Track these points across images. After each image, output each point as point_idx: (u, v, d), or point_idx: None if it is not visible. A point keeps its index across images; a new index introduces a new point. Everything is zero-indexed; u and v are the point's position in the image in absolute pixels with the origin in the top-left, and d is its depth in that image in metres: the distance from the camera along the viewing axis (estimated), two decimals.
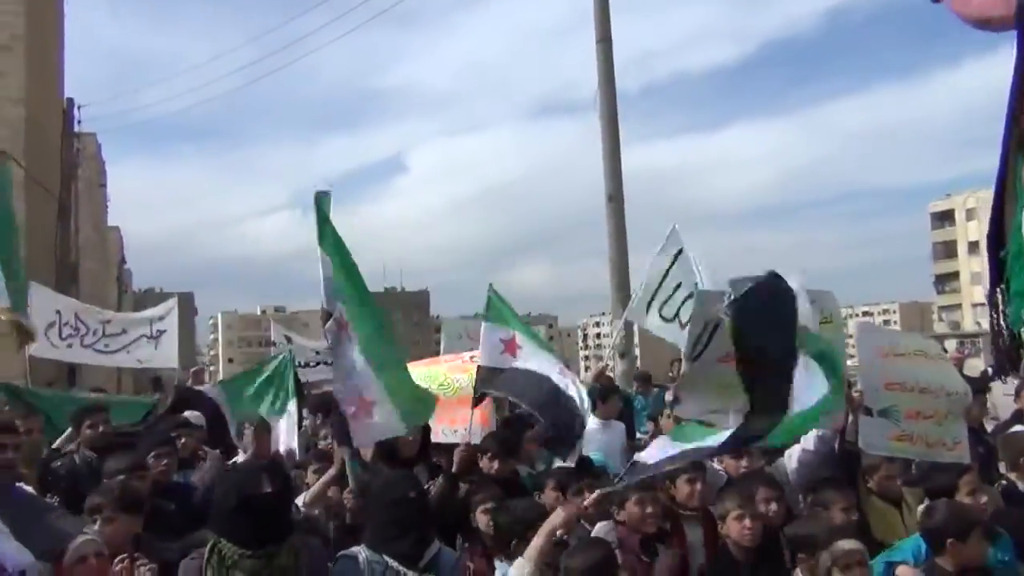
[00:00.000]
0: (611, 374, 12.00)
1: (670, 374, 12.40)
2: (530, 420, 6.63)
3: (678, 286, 6.96)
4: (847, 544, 4.28)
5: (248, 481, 3.43)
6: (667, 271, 7.01)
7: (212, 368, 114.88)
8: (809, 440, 5.70)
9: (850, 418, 5.73)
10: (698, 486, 5.24)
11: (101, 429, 6.68)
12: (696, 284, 6.98)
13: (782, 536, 4.93)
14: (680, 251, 7.04)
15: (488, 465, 5.97)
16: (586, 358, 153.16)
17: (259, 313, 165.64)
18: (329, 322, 5.48)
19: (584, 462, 6.22)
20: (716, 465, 5.95)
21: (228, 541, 3.40)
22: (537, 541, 4.00)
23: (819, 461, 5.65)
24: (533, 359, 6.21)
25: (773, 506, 5.05)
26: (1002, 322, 2.62)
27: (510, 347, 6.30)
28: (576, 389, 6.00)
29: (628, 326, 13.49)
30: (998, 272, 2.60)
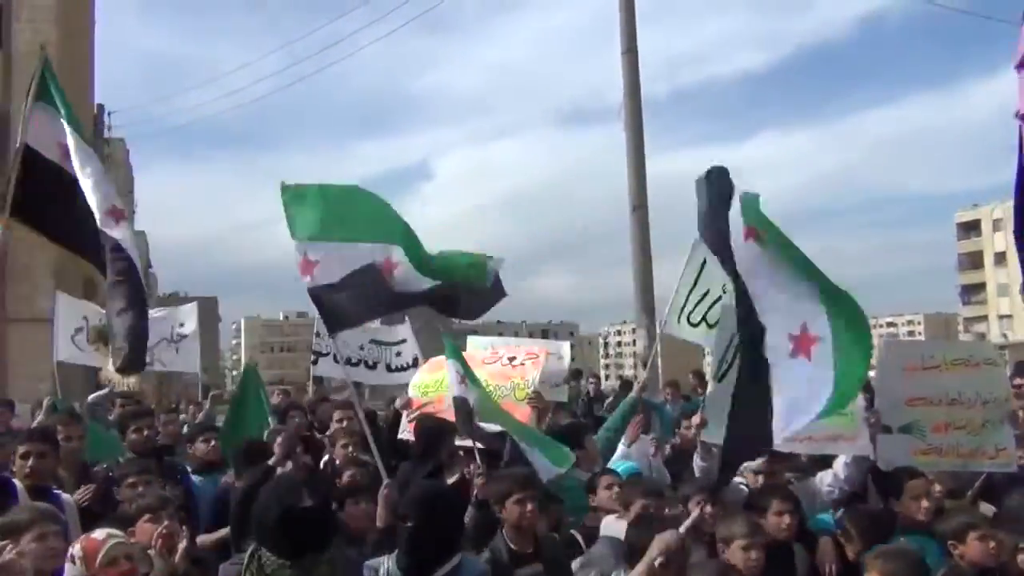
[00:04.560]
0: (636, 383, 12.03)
1: (693, 384, 12.44)
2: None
3: (705, 293, 7.02)
4: None
5: (289, 494, 3.51)
6: (695, 282, 7.09)
7: (235, 373, 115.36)
8: (839, 466, 5.71)
9: None
10: (708, 508, 5.14)
11: (146, 434, 6.87)
12: (724, 286, 7.05)
13: (794, 549, 5.00)
14: (704, 261, 7.12)
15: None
16: (607, 367, 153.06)
17: (282, 319, 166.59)
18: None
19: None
20: (738, 479, 5.95)
21: (268, 551, 3.48)
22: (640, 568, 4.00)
23: (849, 488, 5.65)
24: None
25: (786, 519, 5.03)
26: None
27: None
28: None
29: (651, 336, 13.63)
30: None
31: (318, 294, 5.77)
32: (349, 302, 5.81)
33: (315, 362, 12.68)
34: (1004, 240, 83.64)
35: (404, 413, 7.28)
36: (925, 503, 5.15)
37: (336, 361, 12.69)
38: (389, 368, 12.86)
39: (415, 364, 10.81)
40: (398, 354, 12.38)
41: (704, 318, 6.88)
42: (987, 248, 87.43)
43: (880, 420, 5.65)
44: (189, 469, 6.85)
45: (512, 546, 4.65)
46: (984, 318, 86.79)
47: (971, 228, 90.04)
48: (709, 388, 6.06)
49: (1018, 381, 7.12)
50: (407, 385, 8.11)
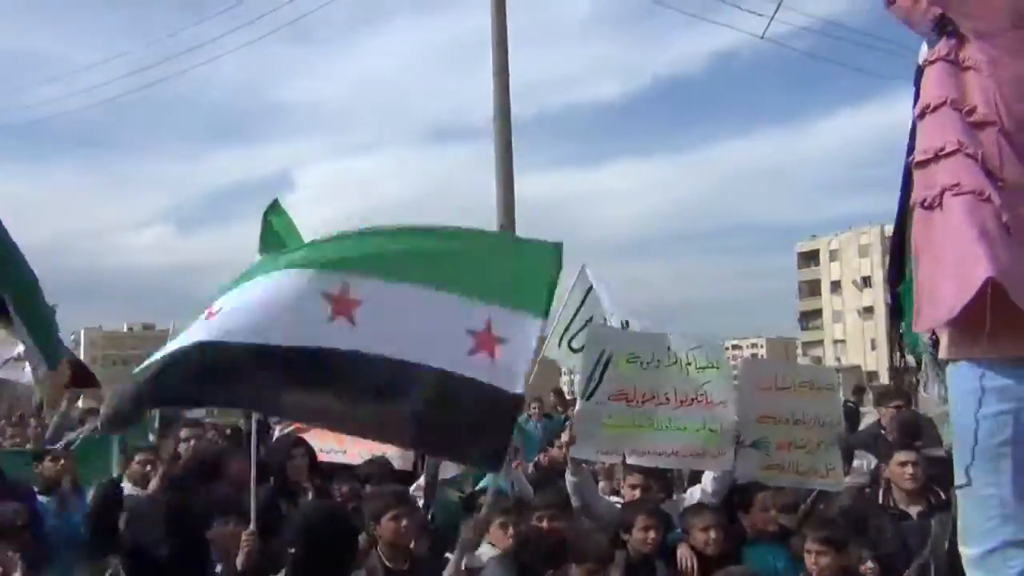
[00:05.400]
0: None
1: (553, 402, 12.64)
2: None
3: (589, 320, 7.19)
4: None
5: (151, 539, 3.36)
6: (578, 308, 7.26)
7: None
8: (708, 481, 5.94)
9: None
10: (557, 524, 5.22)
11: None
12: (605, 317, 7.22)
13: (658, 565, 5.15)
14: (590, 288, 7.31)
15: None
16: None
17: (125, 330, 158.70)
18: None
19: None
20: (614, 498, 6.10)
21: None
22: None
23: (717, 501, 5.88)
24: None
25: (651, 535, 5.19)
26: (900, 350, 2.90)
27: None
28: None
29: None
30: (896, 306, 2.86)
31: None
32: None
33: None
34: (839, 270, 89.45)
35: (278, 428, 7.14)
36: (773, 514, 5.55)
37: None
38: None
39: None
40: None
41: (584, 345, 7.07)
42: (824, 277, 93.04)
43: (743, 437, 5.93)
44: (35, 489, 6.44)
45: (388, 564, 4.60)
46: (820, 343, 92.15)
47: (810, 258, 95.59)
48: (577, 406, 6.17)
49: (898, 403, 7.63)
50: None
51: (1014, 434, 2.28)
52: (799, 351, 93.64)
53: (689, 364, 5.90)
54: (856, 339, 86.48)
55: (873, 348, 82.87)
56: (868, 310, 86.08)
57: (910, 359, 2.89)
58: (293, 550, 3.88)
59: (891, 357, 3.94)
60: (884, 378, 65.99)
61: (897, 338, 2.89)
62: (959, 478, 2.36)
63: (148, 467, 6.35)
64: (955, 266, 2.26)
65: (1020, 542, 2.30)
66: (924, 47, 2.59)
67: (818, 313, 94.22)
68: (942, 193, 2.32)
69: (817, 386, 6.27)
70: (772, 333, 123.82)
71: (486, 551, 5.14)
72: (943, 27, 2.49)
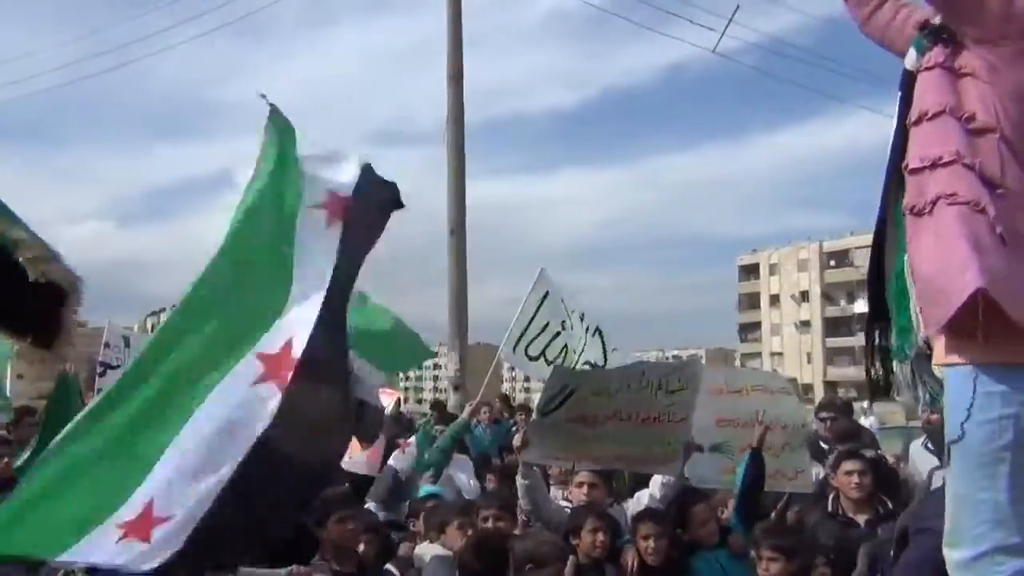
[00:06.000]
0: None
1: (499, 407, 12.65)
2: None
3: (545, 326, 7.18)
4: None
5: None
6: (535, 313, 7.23)
7: None
8: (656, 486, 5.93)
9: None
10: (502, 525, 5.24)
11: None
12: (563, 323, 7.22)
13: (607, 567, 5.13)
14: (547, 294, 7.29)
15: None
16: (406, 389, 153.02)
17: None
18: None
19: None
20: (563, 502, 6.07)
21: None
22: None
23: (665, 505, 5.88)
24: None
25: (600, 537, 5.16)
26: (876, 354, 2.88)
27: None
28: None
29: (463, 359, 13.75)
30: (876, 309, 2.85)
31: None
32: None
33: (102, 374, 11.82)
34: (779, 283, 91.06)
35: None
36: (712, 525, 5.49)
37: None
38: None
39: None
40: None
41: (543, 353, 7.05)
42: (763, 290, 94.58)
43: (694, 443, 5.92)
44: None
45: (335, 567, 4.53)
46: (759, 355, 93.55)
47: (750, 271, 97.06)
48: (534, 417, 6.14)
49: (824, 415, 7.73)
50: None
51: (1014, 439, 2.29)
52: (738, 362, 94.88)
53: (660, 389, 5.75)
54: (793, 352, 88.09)
55: (809, 361, 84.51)
56: (805, 324, 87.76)
57: (878, 367, 2.87)
58: None
59: (867, 365, 3.80)
60: (819, 390, 67.54)
61: (874, 346, 2.87)
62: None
63: None
64: (944, 274, 2.27)
65: (1010, 547, 2.30)
66: (912, 53, 2.60)
67: (757, 326, 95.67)
68: (935, 201, 2.32)
69: (772, 389, 6.29)
70: (712, 344, 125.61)
71: (427, 550, 5.11)
72: (938, 34, 2.51)
